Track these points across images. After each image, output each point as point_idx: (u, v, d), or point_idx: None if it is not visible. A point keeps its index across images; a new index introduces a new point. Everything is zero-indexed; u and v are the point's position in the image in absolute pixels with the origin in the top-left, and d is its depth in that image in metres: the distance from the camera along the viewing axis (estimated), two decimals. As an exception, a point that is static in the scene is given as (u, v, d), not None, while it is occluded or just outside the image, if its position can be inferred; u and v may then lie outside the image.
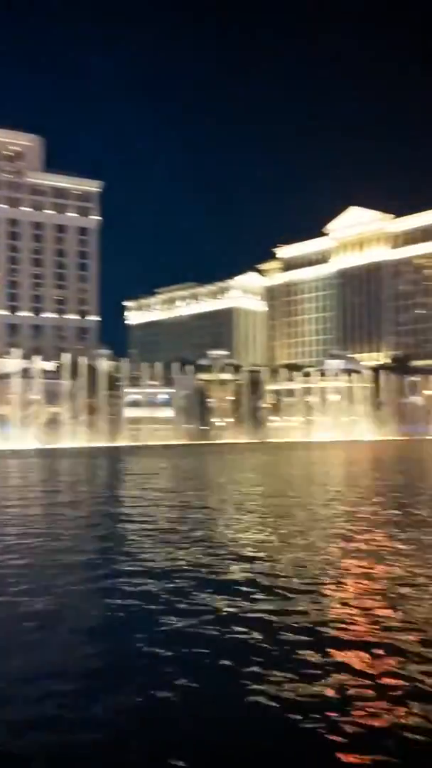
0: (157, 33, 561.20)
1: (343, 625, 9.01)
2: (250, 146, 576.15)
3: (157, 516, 20.96)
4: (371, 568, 12.65)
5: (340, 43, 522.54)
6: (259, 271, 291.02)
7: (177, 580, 11.66)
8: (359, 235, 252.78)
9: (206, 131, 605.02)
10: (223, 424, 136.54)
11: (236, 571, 12.52)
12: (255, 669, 7.39)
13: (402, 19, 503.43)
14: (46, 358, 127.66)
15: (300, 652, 7.93)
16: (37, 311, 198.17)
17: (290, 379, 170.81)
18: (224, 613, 9.67)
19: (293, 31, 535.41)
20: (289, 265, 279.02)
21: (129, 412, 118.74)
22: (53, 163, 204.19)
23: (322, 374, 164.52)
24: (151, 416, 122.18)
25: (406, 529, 17.38)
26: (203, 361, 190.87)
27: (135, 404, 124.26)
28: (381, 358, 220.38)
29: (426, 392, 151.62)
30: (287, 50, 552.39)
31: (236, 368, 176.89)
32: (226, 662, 7.65)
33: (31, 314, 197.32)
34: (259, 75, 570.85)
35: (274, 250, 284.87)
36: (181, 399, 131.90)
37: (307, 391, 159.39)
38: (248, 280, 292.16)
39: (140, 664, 7.77)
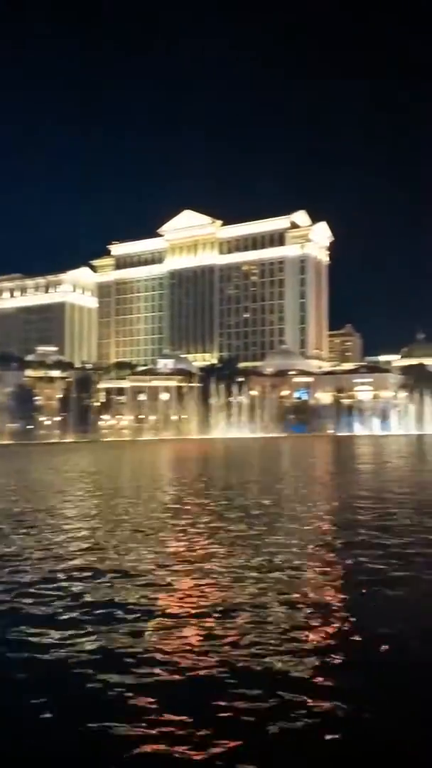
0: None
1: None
2: (89, 140, 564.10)
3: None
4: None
5: (198, 49, 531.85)
6: (92, 267, 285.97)
7: None
8: (191, 238, 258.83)
9: (43, 120, 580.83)
10: (51, 422, 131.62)
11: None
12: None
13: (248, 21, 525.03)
14: None
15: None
16: None
17: (121, 378, 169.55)
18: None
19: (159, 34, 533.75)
20: (123, 262, 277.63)
21: None
22: None
23: (153, 373, 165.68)
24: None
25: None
26: (30, 357, 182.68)
27: None
28: (210, 358, 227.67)
29: (252, 393, 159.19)
30: (150, 56, 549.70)
31: (66, 365, 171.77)
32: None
33: None
34: (117, 72, 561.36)
35: (108, 246, 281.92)
36: (5, 396, 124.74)
37: (139, 390, 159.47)
38: (81, 275, 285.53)
39: None
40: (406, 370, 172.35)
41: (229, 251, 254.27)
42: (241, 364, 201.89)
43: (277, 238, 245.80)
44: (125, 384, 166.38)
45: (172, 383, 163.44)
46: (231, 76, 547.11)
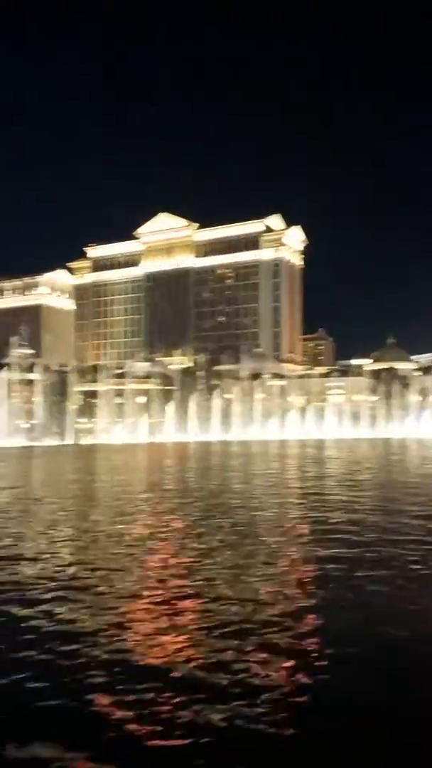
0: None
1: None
2: (63, 140, 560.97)
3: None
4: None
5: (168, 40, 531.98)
6: (69, 269, 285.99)
7: None
8: (167, 241, 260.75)
9: (16, 120, 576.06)
10: (28, 426, 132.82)
11: None
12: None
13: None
14: None
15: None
16: None
17: (98, 381, 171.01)
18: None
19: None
20: (99, 265, 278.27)
21: None
22: None
23: (130, 376, 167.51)
24: None
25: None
26: (6, 360, 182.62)
27: None
28: (186, 361, 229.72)
29: (227, 396, 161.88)
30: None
31: (43, 368, 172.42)
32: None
33: None
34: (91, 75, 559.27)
35: (84, 248, 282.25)
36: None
37: (115, 393, 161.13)
38: (57, 277, 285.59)
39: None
40: (376, 374, 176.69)
41: (205, 254, 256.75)
42: (216, 367, 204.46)
43: (251, 242, 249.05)
44: (102, 387, 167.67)
45: (149, 386, 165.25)
46: (208, 82, 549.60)
